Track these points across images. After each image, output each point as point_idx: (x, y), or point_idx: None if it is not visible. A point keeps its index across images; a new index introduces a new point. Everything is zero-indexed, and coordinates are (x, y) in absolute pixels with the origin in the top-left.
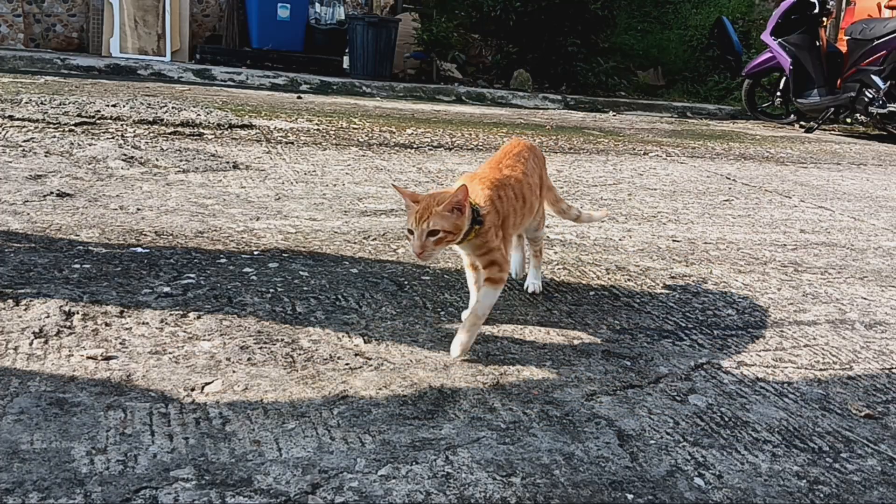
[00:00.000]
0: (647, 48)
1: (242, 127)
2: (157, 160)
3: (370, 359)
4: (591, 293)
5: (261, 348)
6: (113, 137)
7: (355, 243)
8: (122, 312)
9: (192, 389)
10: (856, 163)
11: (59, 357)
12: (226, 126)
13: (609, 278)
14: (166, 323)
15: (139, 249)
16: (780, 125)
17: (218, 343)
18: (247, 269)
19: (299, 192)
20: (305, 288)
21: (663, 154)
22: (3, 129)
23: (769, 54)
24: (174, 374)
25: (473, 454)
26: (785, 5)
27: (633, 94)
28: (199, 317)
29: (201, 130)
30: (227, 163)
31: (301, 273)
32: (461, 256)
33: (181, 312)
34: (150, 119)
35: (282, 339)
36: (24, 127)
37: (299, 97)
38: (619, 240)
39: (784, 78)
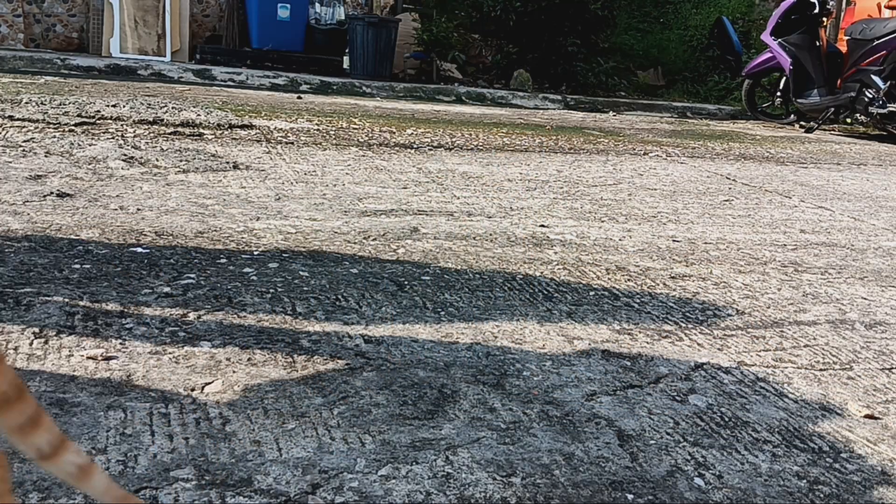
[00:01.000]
0: (647, 48)
1: (242, 127)
2: (157, 160)
3: (370, 359)
4: (591, 293)
5: (261, 348)
6: (113, 137)
7: (355, 243)
8: (122, 312)
9: (193, 389)
10: (856, 163)
11: (59, 357)
12: (226, 126)
13: (609, 278)
14: (166, 323)
15: (139, 249)
16: (780, 125)
17: (218, 343)
18: (247, 270)
19: (299, 192)
20: (305, 288)
21: (663, 154)
22: (3, 130)
23: (769, 54)
24: (174, 374)
25: (473, 454)
26: (785, 5)
27: (633, 94)
28: (199, 317)
29: (201, 130)
30: (227, 163)
31: (301, 273)
32: None
33: (181, 312)
34: (151, 119)
35: (282, 340)
36: (24, 127)
37: (299, 97)
38: (619, 240)
39: (784, 78)
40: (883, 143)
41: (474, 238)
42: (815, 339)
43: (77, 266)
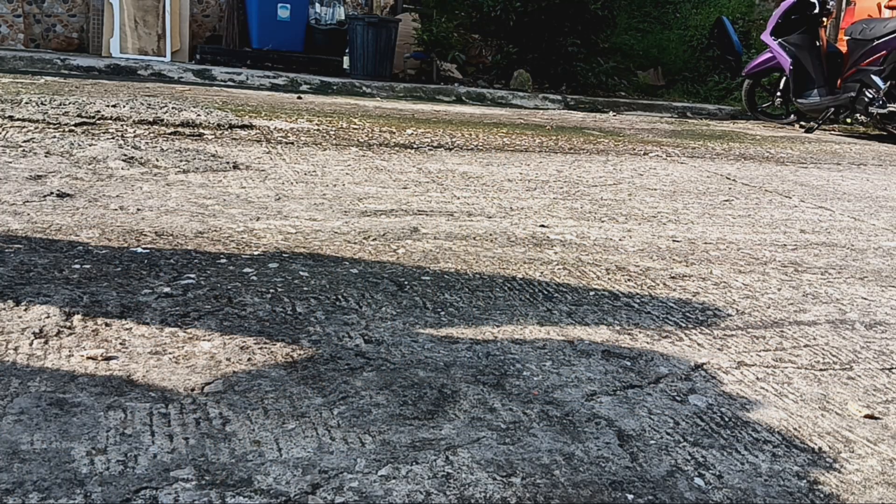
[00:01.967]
0: (647, 48)
1: (242, 127)
2: (157, 160)
3: (370, 359)
4: (591, 293)
5: (261, 348)
6: (113, 138)
7: (355, 243)
8: (122, 313)
9: (193, 390)
10: (856, 163)
11: (59, 357)
12: (226, 126)
13: (609, 278)
14: (166, 323)
15: (139, 250)
16: (780, 125)
17: (218, 343)
18: (247, 270)
19: (299, 192)
20: (305, 288)
21: (663, 154)
22: (3, 130)
23: (769, 54)
24: (174, 374)
25: (473, 454)
26: (785, 5)
27: (633, 94)
28: (199, 317)
29: (201, 131)
30: (228, 163)
31: (301, 273)
32: None
33: (181, 313)
34: (151, 119)
35: (282, 340)
36: (24, 127)
37: (299, 97)
38: (619, 240)
39: (784, 78)
40: (883, 143)
41: (474, 238)
42: (815, 339)
43: (77, 266)
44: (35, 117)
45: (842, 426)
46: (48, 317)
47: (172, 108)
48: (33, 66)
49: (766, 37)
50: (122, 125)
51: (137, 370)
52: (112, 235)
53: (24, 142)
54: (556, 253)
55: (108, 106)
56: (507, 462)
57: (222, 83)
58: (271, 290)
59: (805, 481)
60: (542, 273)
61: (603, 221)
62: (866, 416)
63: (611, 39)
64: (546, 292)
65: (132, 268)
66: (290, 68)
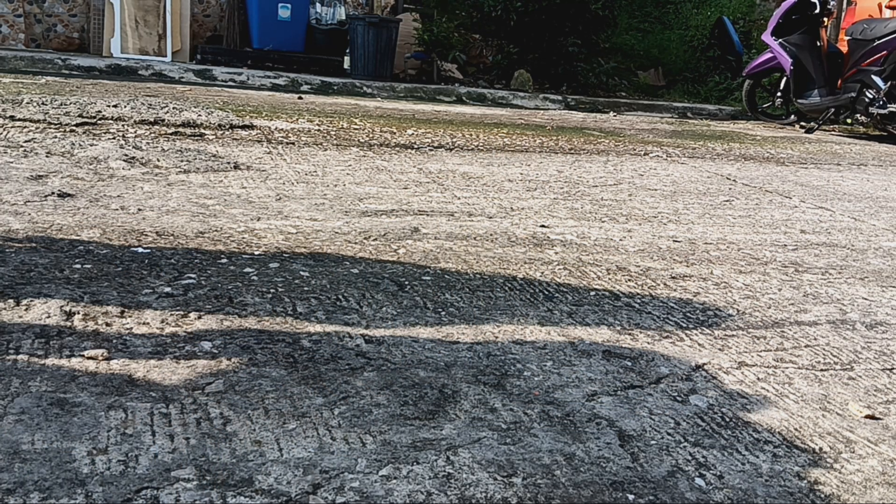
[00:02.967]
0: (647, 48)
1: (243, 127)
2: (158, 160)
3: (371, 359)
4: (592, 293)
5: (262, 348)
6: (114, 138)
7: (356, 243)
8: (122, 312)
9: (193, 389)
10: (856, 163)
11: (59, 357)
12: (227, 126)
13: (610, 278)
14: (167, 323)
15: (140, 249)
16: (780, 125)
17: (219, 343)
18: (247, 270)
19: (300, 192)
20: (306, 288)
21: (664, 154)
22: (4, 130)
23: (770, 54)
24: (175, 374)
25: (474, 454)
26: (786, 5)
27: (634, 94)
28: (199, 317)
29: (202, 131)
30: (228, 163)
31: (302, 273)
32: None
33: (182, 312)
34: (152, 119)
35: (283, 340)
36: (25, 127)
37: (300, 97)
38: (620, 240)
39: (785, 78)
40: (883, 143)
41: (475, 238)
42: (815, 339)
43: (78, 266)
44: (36, 117)
45: (842, 426)
46: (49, 316)
47: (173, 108)
48: (34, 66)
49: (766, 37)
50: (123, 125)
51: (138, 370)
52: (113, 235)
53: (26, 142)
54: (556, 253)
55: (109, 106)
56: (507, 462)
57: (223, 83)
58: (272, 290)
59: (806, 482)
60: (542, 273)
61: (603, 222)
62: (867, 417)
63: (611, 39)
64: (547, 292)
65: (133, 267)
66: (290, 68)
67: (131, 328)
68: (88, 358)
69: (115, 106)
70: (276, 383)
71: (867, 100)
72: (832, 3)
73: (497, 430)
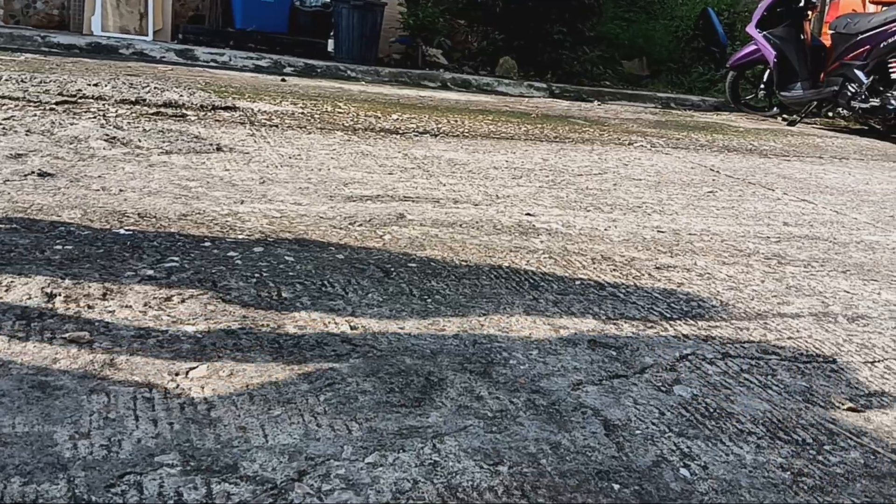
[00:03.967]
0: (632, 38)
1: (226, 109)
2: (139, 141)
3: (357, 346)
4: (577, 282)
5: (246, 333)
6: (95, 117)
7: (341, 229)
8: (104, 295)
9: (177, 374)
10: (838, 157)
11: (41, 339)
12: (209, 107)
13: (595, 268)
14: (150, 306)
15: (122, 231)
16: (763, 118)
17: (203, 328)
18: (231, 253)
19: (284, 176)
20: (291, 273)
21: (648, 144)
22: None
23: (754, 46)
24: (158, 358)
25: (460, 442)
26: None
27: (618, 83)
28: (183, 301)
29: (184, 112)
30: (211, 145)
31: (286, 258)
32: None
33: (165, 296)
34: (133, 99)
35: (268, 325)
36: (4, 105)
37: (283, 80)
38: (605, 230)
39: (768, 70)
40: (864, 137)
41: (460, 225)
42: (798, 331)
43: (59, 247)
44: (15, 95)
45: (825, 418)
46: (30, 298)
47: (155, 87)
48: (12, 42)
49: (751, 29)
50: (103, 104)
51: (121, 354)
52: (94, 216)
53: (4, 119)
54: (541, 242)
55: (89, 85)
56: (494, 450)
57: (205, 64)
58: (256, 275)
59: (789, 473)
60: (528, 262)
61: (588, 211)
62: (849, 409)
63: (597, 28)
64: (532, 281)
65: (115, 249)
66: (273, 50)
67: (113, 311)
68: (70, 341)
69: (95, 85)
70: (260, 369)
71: (849, 94)
72: None
73: (483, 419)
